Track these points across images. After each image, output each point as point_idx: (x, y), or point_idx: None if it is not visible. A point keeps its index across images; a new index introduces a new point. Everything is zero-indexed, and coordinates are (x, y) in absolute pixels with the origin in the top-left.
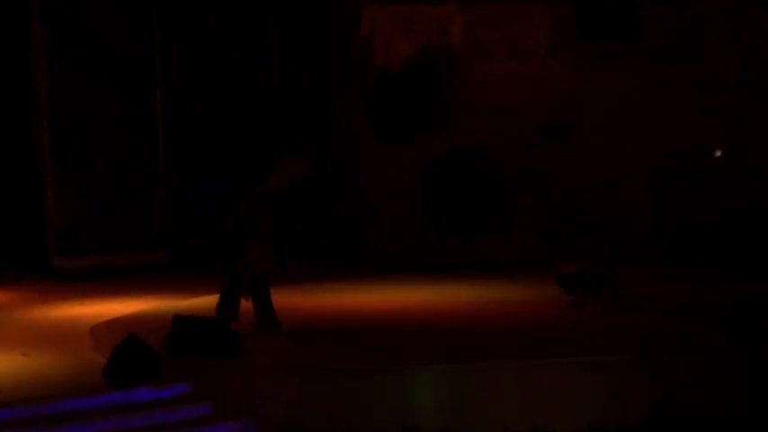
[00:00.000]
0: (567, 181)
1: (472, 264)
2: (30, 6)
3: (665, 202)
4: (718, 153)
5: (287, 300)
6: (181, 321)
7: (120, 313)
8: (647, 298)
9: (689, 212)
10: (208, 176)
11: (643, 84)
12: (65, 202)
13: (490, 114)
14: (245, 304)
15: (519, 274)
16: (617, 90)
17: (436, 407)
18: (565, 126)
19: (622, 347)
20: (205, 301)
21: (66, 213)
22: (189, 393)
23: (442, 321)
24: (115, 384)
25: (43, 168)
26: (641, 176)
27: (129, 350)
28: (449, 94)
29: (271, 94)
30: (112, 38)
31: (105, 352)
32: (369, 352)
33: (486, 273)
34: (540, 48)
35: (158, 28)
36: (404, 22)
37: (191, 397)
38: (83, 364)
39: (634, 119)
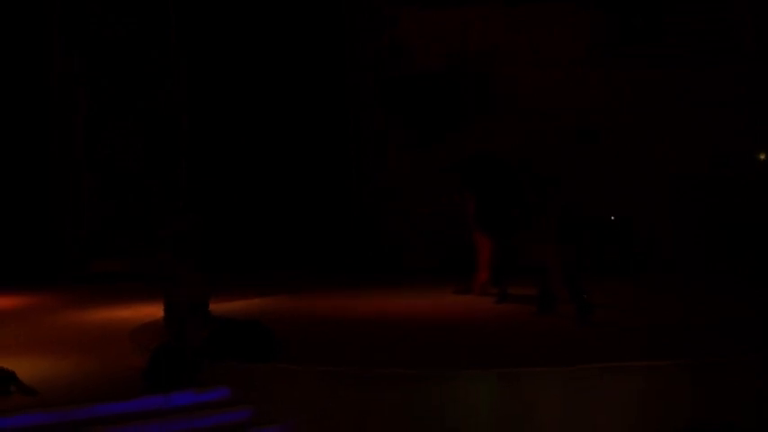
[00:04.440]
0: (595, 186)
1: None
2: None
3: (694, 206)
4: (763, 156)
5: (322, 304)
6: (219, 324)
7: (159, 316)
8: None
9: (716, 217)
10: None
11: (673, 86)
12: (99, 206)
13: (519, 117)
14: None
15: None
16: (648, 93)
17: (478, 413)
18: (594, 133)
19: (663, 354)
20: (242, 305)
21: (101, 217)
22: (229, 397)
23: (477, 326)
24: (154, 388)
25: (77, 174)
26: (668, 181)
27: (168, 353)
28: (480, 97)
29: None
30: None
31: (144, 355)
32: (409, 357)
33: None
34: (571, 51)
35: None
36: (437, 26)
37: (231, 401)
38: (121, 367)
39: (663, 122)
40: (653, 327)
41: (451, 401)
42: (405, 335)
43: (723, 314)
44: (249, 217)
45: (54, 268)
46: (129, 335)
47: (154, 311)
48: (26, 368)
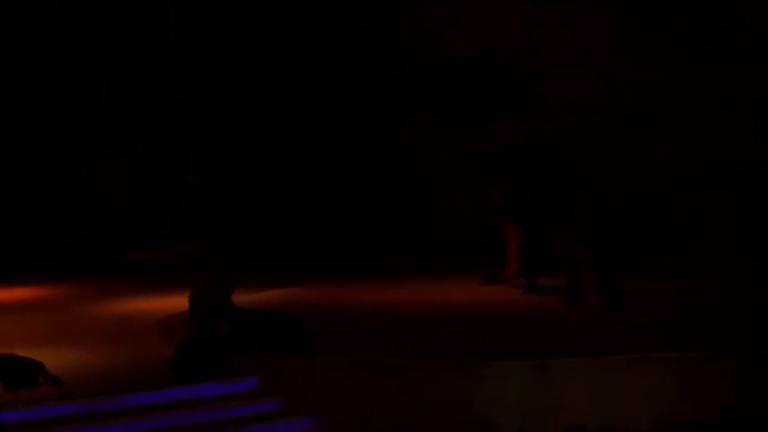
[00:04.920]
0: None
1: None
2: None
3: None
4: None
5: (353, 294)
6: (247, 315)
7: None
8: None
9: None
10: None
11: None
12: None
13: (553, 108)
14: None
15: None
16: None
17: (509, 404)
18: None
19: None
20: (270, 295)
21: (132, 206)
22: (258, 388)
23: (506, 316)
24: (183, 379)
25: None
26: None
27: (195, 344)
28: (514, 86)
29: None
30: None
31: (173, 346)
32: (439, 347)
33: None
34: (604, 42)
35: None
36: (473, 13)
37: (260, 392)
38: (150, 358)
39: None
40: (682, 319)
41: (482, 392)
42: (434, 325)
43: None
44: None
45: (83, 258)
46: (158, 325)
47: (183, 302)
48: (53, 359)
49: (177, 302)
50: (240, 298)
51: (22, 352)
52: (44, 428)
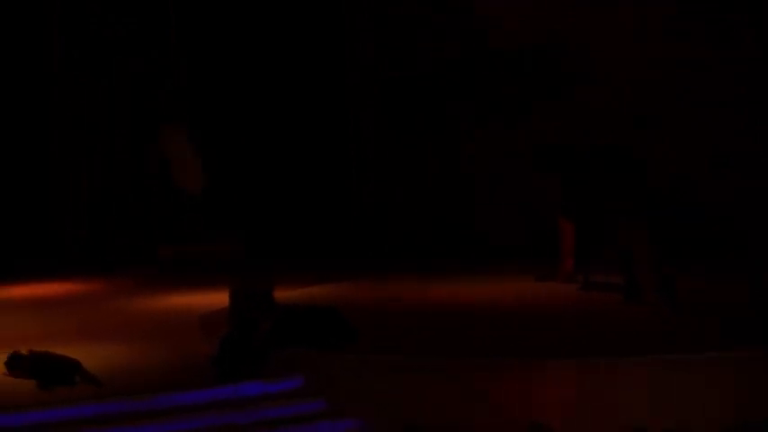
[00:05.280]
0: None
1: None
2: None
3: None
4: None
5: (400, 291)
6: (290, 311)
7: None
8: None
9: None
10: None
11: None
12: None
13: (595, 99)
14: None
15: None
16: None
17: (563, 403)
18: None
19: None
20: (314, 291)
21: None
22: (302, 388)
23: (560, 313)
24: (224, 377)
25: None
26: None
27: (235, 342)
28: (557, 77)
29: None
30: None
31: (214, 343)
32: (491, 345)
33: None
34: (648, 31)
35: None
36: (516, 3)
37: (304, 391)
38: (190, 355)
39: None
40: (741, 316)
41: (535, 393)
42: (484, 323)
43: None
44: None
45: (123, 253)
46: (199, 321)
47: (224, 298)
48: (90, 356)
49: (218, 298)
50: (286, 293)
51: (58, 349)
52: (80, 428)
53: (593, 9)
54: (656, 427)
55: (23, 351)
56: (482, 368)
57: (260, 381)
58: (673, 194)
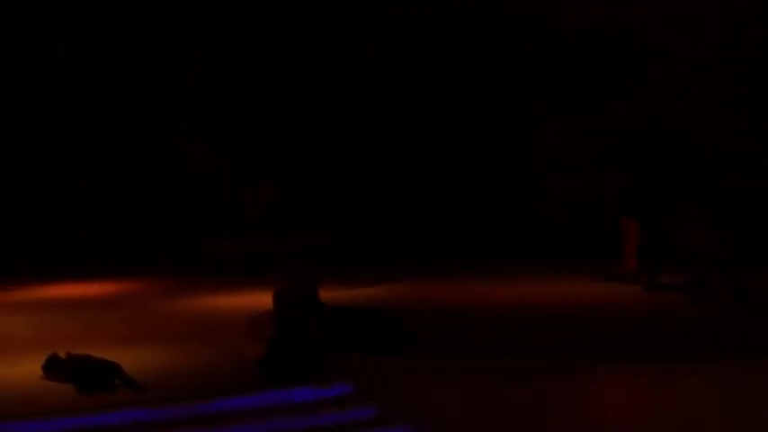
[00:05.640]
0: None
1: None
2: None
3: None
4: None
5: (452, 292)
6: (342, 313)
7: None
8: None
9: None
10: None
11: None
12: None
13: (666, 92)
14: None
15: None
16: None
17: (624, 409)
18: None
19: None
20: (368, 292)
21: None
22: (352, 394)
23: (623, 315)
24: (272, 382)
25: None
26: None
27: (287, 345)
28: (627, 68)
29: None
30: None
31: (262, 346)
32: (551, 348)
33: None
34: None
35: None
36: None
37: (354, 398)
38: (237, 358)
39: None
40: None
41: (595, 398)
42: (545, 324)
43: None
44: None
45: (167, 251)
46: (247, 323)
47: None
48: (132, 359)
49: (265, 299)
50: (338, 293)
51: (98, 352)
52: None
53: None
54: None
55: (61, 354)
56: (544, 372)
57: (310, 386)
58: None
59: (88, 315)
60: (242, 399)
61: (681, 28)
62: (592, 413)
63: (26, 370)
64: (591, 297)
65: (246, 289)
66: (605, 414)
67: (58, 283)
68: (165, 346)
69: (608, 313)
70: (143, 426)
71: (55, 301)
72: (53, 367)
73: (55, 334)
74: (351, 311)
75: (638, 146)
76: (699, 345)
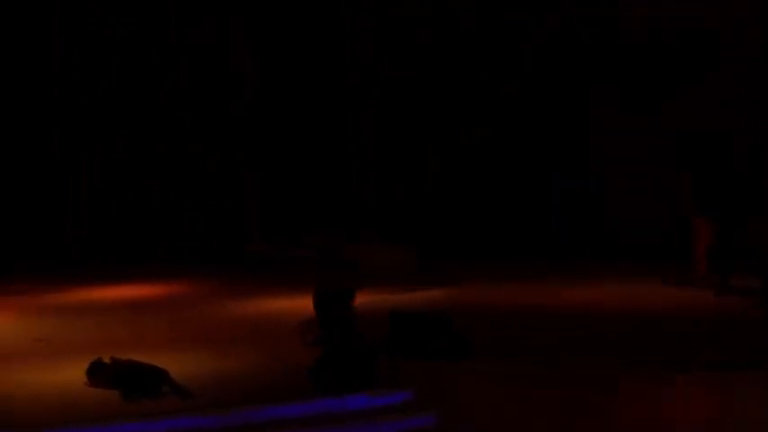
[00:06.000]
0: None
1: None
2: None
3: None
4: None
5: (513, 295)
6: (400, 317)
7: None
8: None
9: None
10: None
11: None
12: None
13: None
14: None
15: None
16: None
17: (694, 420)
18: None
19: None
20: (427, 295)
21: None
22: (411, 401)
23: (692, 322)
24: (325, 389)
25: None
26: None
27: (341, 350)
28: (693, 69)
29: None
30: None
31: (315, 351)
32: (622, 355)
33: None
34: None
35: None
36: None
37: (413, 406)
38: (289, 364)
39: None
40: None
41: (666, 406)
42: (611, 329)
43: None
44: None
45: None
46: (299, 327)
47: None
48: (178, 364)
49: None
50: (395, 296)
51: (143, 357)
52: None
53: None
54: None
55: (106, 359)
56: (614, 381)
57: (366, 393)
58: None
59: (132, 318)
60: (294, 406)
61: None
62: (665, 423)
63: (69, 376)
64: (660, 302)
65: (294, 290)
66: (682, 428)
67: (98, 286)
68: (213, 351)
69: (675, 319)
70: None
71: (96, 303)
72: (97, 373)
73: (98, 338)
74: (411, 316)
75: (706, 144)
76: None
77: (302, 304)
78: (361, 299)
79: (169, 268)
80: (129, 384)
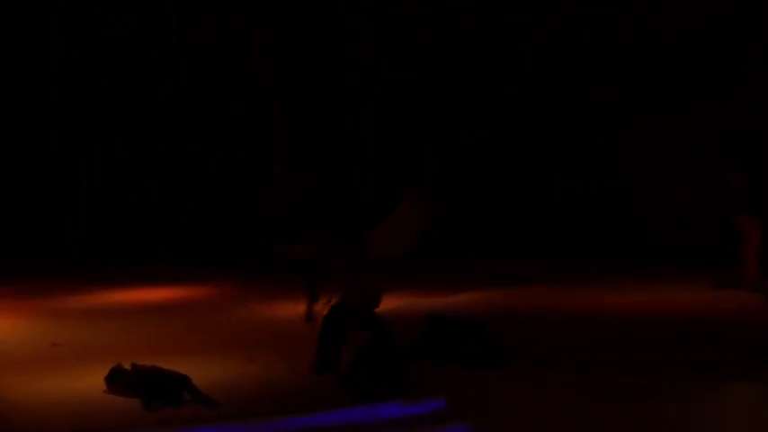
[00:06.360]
0: None
1: None
2: None
3: None
4: None
5: (549, 299)
6: (436, 322)
7: None
8: None
9: None
10: None
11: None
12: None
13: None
14: None
15: None
16: None
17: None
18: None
19: None
20: (462, 299)
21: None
22: (446, 410)
23: (743, 327)
24: (356, 397)
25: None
26: None
27: (372, 357)
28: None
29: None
30: None
31: (346, 357)
32: (667, 363)
33: None
34: None
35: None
36: None
37: (448, 415)
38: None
39: None
40: None
41: (717, 417)
42: (653, 337)
43: None
44: None
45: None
46: None
47: None
48: (202, 371)
49: None
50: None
51: (165, 362)
52: None
53: None
54: None
55: (126, 365)
56: (659, 389)
57: (398, 401)
58: None
59: (153, 322)
60: (323, 415)
61: None
62: None
63: (88, 382)
64: (707, 307)
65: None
66: None
67: (119, 288)
68: (238, 356)
69: (725, 325)
70: None
71: (115, 306)
72: (117, 380)
73: (118, 342)
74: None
75: (754, 144)
76: None
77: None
78: (394, 303)
79: (190, 269)
80: (149, 392)
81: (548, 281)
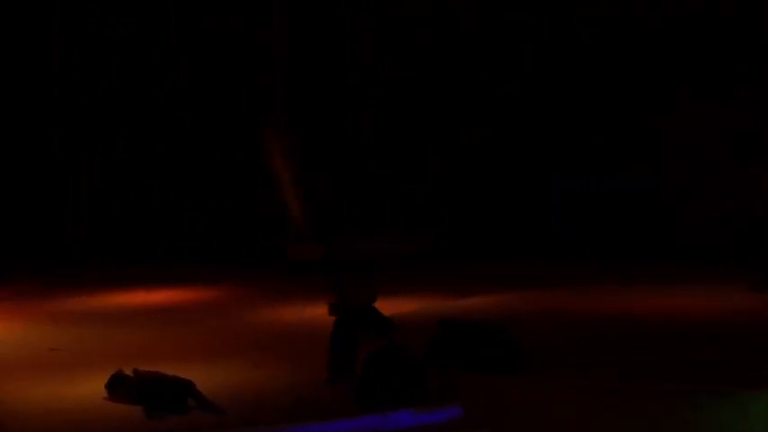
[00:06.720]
0: None
1: None
2: None
3: None
4: None
5: (570, 302)
6: (450, 326)
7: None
8: None
9: None
10: None
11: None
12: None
13: None
14: None
15: None
16: None
17: None
18: None
19: None
20: (478, 302)
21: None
22: (462, 418)
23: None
24: (367, 405)
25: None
26: None
27: (385, 362)
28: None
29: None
30: None
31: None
32: (698, 370)
33: None
34: None
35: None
36: None
37: (464, 423)
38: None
39: None
40: None
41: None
42: (680, 341)
43: None
44: None
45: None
46: None
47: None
48: (207, 377)
49: None
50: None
51: (169, 368)
52: None
53: None
54: None
55: (128, 371)
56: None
57: (412, 409)
58: None
59: (157, 326)
60: (334, 423)
61: None
62: None
63: (89, 389)
64: (743, 311)
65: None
66: None
67: (119, 289)
68: (245, 362)
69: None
70: None
71: (127, 310)
72: (118, 386)
73: (119, 347)
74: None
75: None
76: None
77: None
78: (403, 306)
79: (191, 269)
80: (152, 399)
81: (563, 283)
